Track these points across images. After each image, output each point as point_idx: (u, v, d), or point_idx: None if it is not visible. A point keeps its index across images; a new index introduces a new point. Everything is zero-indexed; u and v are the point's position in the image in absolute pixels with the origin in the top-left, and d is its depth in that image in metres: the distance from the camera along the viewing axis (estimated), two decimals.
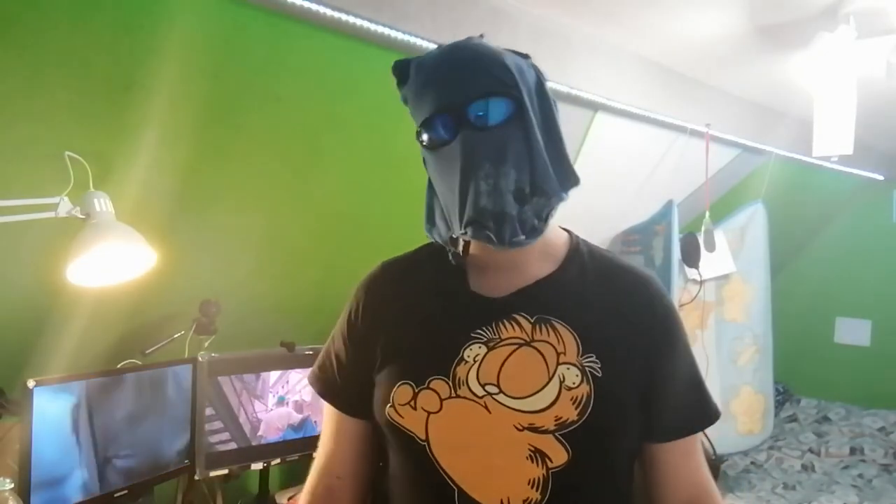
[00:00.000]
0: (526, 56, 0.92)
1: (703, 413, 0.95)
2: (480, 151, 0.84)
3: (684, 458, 0.94)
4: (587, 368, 0.86)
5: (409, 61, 0.90)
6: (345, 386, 0.98)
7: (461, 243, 0.91)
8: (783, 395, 4.44)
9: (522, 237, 0.85)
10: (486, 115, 0.85)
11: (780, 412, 4.31)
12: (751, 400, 3.41)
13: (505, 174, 0.84)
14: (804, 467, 3.86)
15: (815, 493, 3.47)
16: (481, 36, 0.92)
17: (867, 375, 4.31)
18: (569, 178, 0.91)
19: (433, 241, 0.96)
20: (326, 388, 1.00)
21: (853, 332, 4.45)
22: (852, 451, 3.93)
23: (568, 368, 0.86)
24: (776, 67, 2.44)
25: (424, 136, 0.88)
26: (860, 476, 3.70)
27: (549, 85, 0.94)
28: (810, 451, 3.98)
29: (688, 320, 2.66)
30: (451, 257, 0.93)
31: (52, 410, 1.48)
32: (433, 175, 0.91)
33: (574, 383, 0.85)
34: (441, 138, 0.86)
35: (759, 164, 3.32)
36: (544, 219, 0.88)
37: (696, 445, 0.95)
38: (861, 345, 4.42)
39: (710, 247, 2.95)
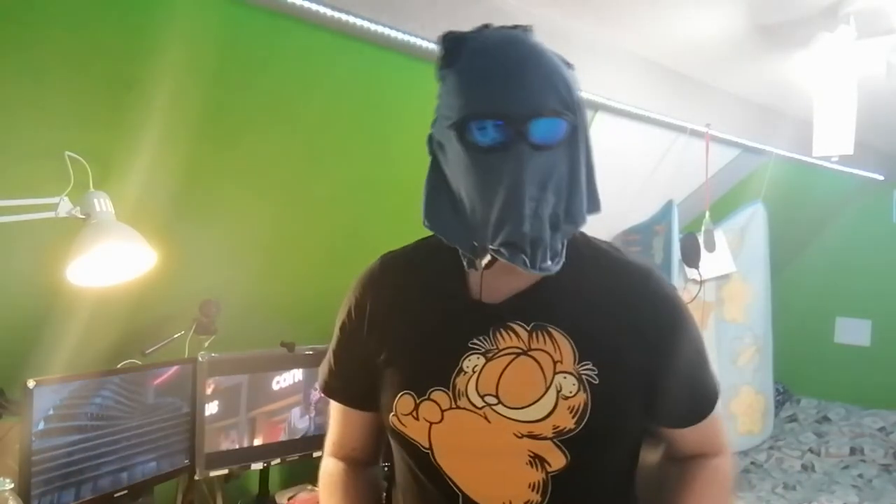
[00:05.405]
0: (571, 66, 0.87)
1: (708, 400, 0.96)
2: (531, 172, 0.80)
3: (694, 432, 0.97)
4: (584, 377, 0.86)
5: (465, 40, 0.84)
6: (344, 382, 1.00)
7: (487, 257, 0.84)
8: (783, 395, 4.44)
9: (550, 263, 0.82)
10: (545, 135, 0.81)
11: (780, 412, 4.31)
12: (751, 400, 3.41)
13: (546, 200, 0.81)
14: (804, 467, 3.86)
15: (815, 493, 3.47)
16: (528, 28, 0.86)
17: (867, 375, 4.31)
18: (594, 205, 0.90)
19: (433, 234, 0.91)
20: (328, 386, 1.03)
21: (853, 332, 4.45)
22: (852, 451, 3.93)
23: (564, 378, 0.85)
24: (776, 67, 2.44)
25: (467, 134, 0.81)
26: (860, 476, 3.70)
27: None
28: (810, 451, 3.98)
29: None
30: (465, 264, 0.88)
31: (52, 410, 1.47)
32: (459, 170, 0.84)
33: (571, 392, 0.85)
34: (490, 143, 0.80)
35: (759, 164, 3.32)
36: (566, 244, 0.87)
37: (709, 424, 0.97)
38: (861, 345, 4.42)
39: (710, 247, 2.95)
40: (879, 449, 3.89)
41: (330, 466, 1.04)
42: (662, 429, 0.98)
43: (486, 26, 0.86)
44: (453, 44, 0.84)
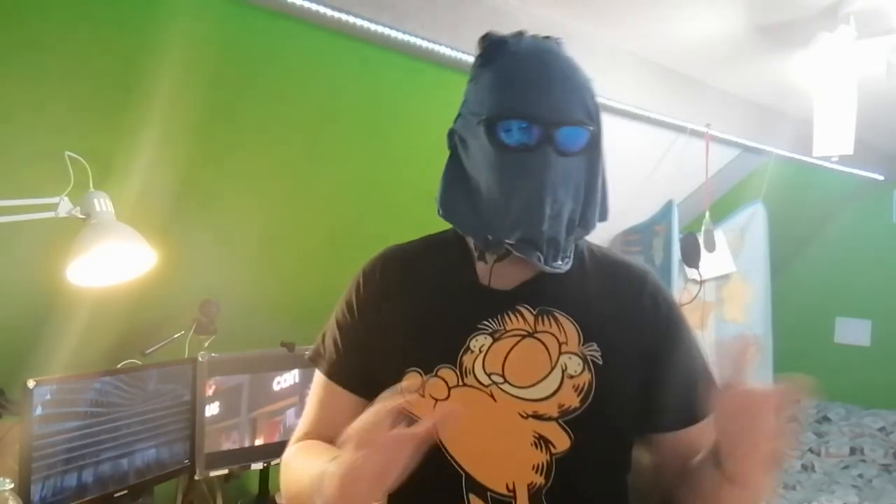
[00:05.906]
0: (592, 79, 0.93)
1: (704, 403, 0.93)
2: (554, 176, 0.85)
3: (694, 439, 0.92)
4: (588, 357, 0.89)
5: (505, 43, 0.89)
6: (341, 359, 0.99)
7: (502, 248, 0.89)
8: None
9: (560, 263, 0.88)
10: (569, 143, 0.86)
11: None
12: None
13: (565, 204, 0.87)
14: (804, 467, 3.86)
15: (815, 493, 3.47)
16: (560, 41, 0.92)
17: (867, 375, 4.31)
18: (603, 213, 0.95)
19: (446, 222, 0.95)
20: (321, 359, 1.01)
21: (853, 332, 4.45)
22: (852, 451, 3.93)
23: (570, 357, 0.89)
24: (776, 67, 2.44)
25: (494, 132, 0.85)
26: (860, 476, 3.71)
27: None
28: (810, 451, 3.98)
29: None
30: (476, 256, 0.93)
31: (51, 410, 1.48)
32: (483, 165, 0.88)
33: (576, 371, 0.88)
34: (518, 144, 0.85)
35: (759, 164, 3.32)
36: (574, 247, 0.92)
37: (703, 429, 0.92)
38: (861, 345, 4.42)
39: (710, 247, 2.95)
40: (879, 449, 3.90)
41: (296, 445, 0.99)
42: (664, 438, 0.94)
43: (521, 33, 0.90)
44: (492, 44, 0.89)
